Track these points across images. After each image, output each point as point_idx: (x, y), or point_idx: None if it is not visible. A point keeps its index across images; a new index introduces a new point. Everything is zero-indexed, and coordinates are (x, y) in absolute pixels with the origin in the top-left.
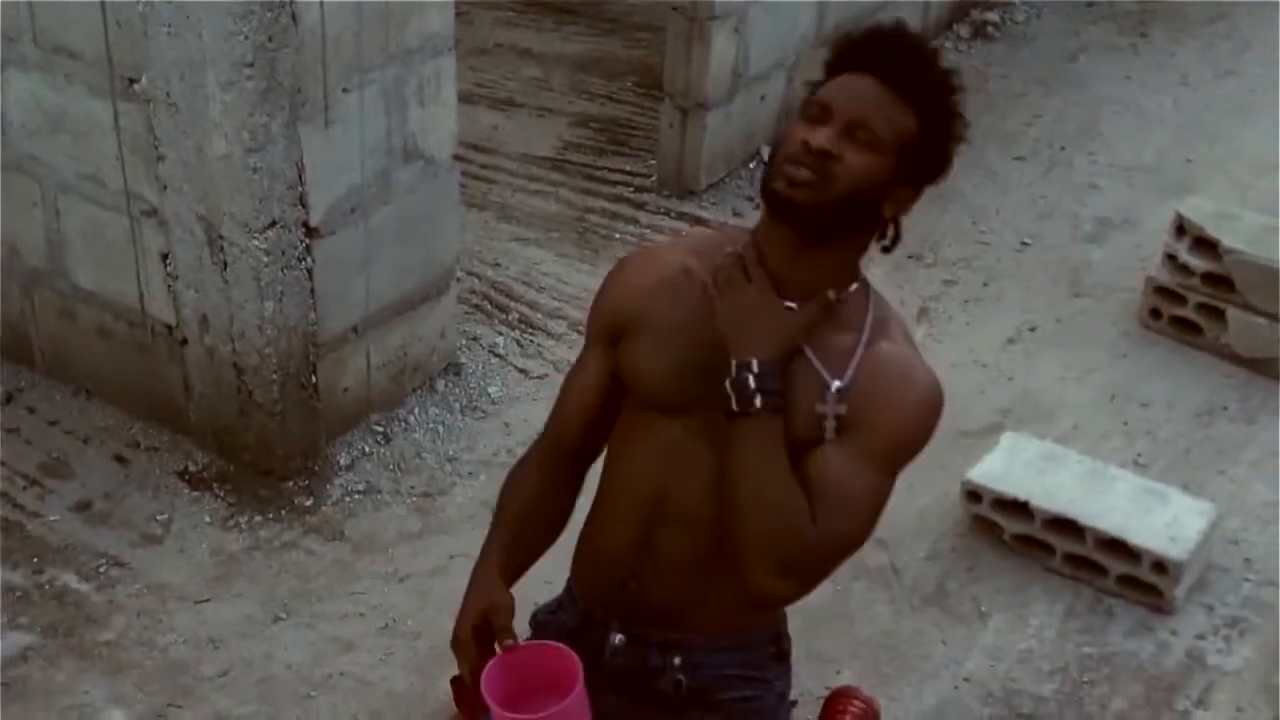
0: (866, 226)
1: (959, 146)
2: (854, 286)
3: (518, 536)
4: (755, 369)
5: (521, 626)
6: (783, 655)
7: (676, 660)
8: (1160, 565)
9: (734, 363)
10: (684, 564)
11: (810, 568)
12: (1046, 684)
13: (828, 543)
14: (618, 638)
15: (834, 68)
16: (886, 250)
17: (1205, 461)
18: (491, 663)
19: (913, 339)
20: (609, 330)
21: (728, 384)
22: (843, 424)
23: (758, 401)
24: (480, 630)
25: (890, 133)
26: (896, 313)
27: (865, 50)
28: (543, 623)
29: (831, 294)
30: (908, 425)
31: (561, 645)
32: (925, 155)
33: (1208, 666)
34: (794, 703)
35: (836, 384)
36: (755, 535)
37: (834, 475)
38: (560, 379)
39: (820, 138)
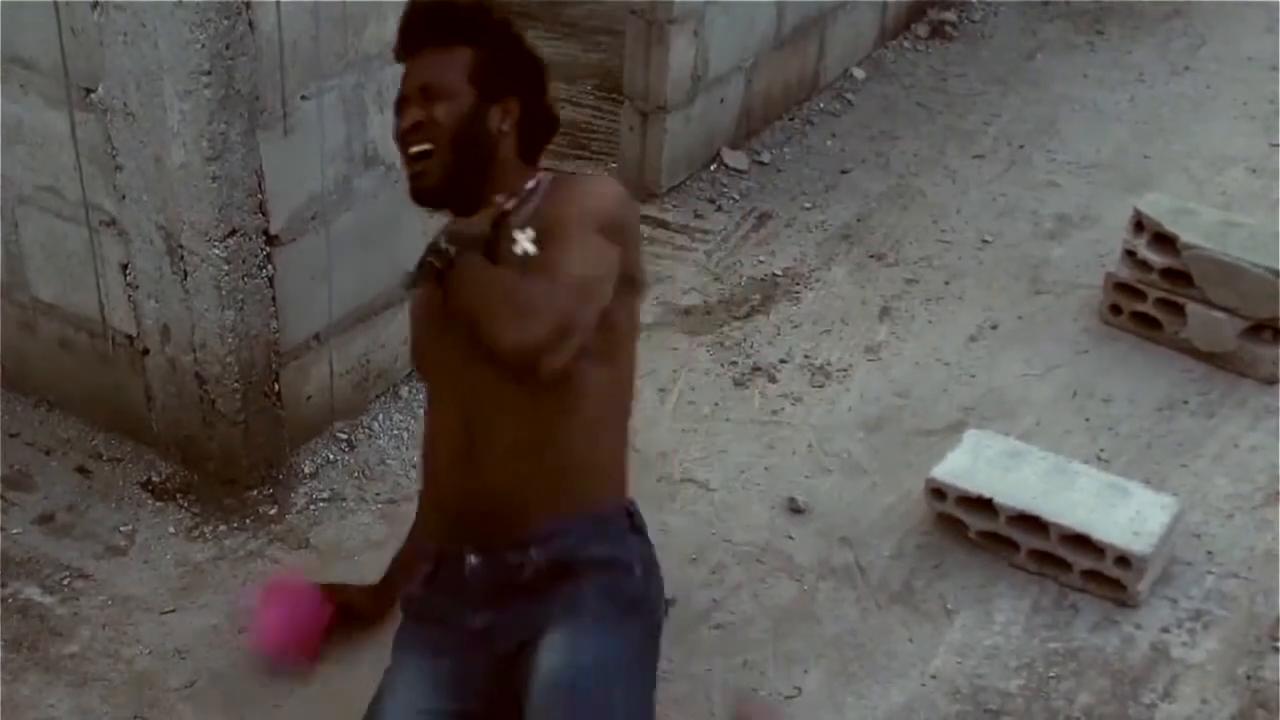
0: (498, 147)
1: (522, 35)
2: (532, 183)
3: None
4: (442, 238)
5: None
6: (636, 528)
7: (531, 551)
8: (1124, 560)
9: (427, 245)
10: (509, 447)
11: (542, 309)
12: (1013, 680)
13: (547, 283)
14: (473, 558)
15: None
16: (545, 142)
17: (1167, 456)
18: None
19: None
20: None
21: (430, 260)
22: (541, 244)
23: (451, 251)
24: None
25: (452, 73)
26: (588, 175)
27: (400, 42)
28: (408, 595)
29: (499, 198)
30: (584, 198)
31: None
32: (500, 64)
33: (1172, 659)
34: (672, 601)
35: (524, 232)
36: (487, 313)
37: (541, 255)
38: None
39: (406, 120)
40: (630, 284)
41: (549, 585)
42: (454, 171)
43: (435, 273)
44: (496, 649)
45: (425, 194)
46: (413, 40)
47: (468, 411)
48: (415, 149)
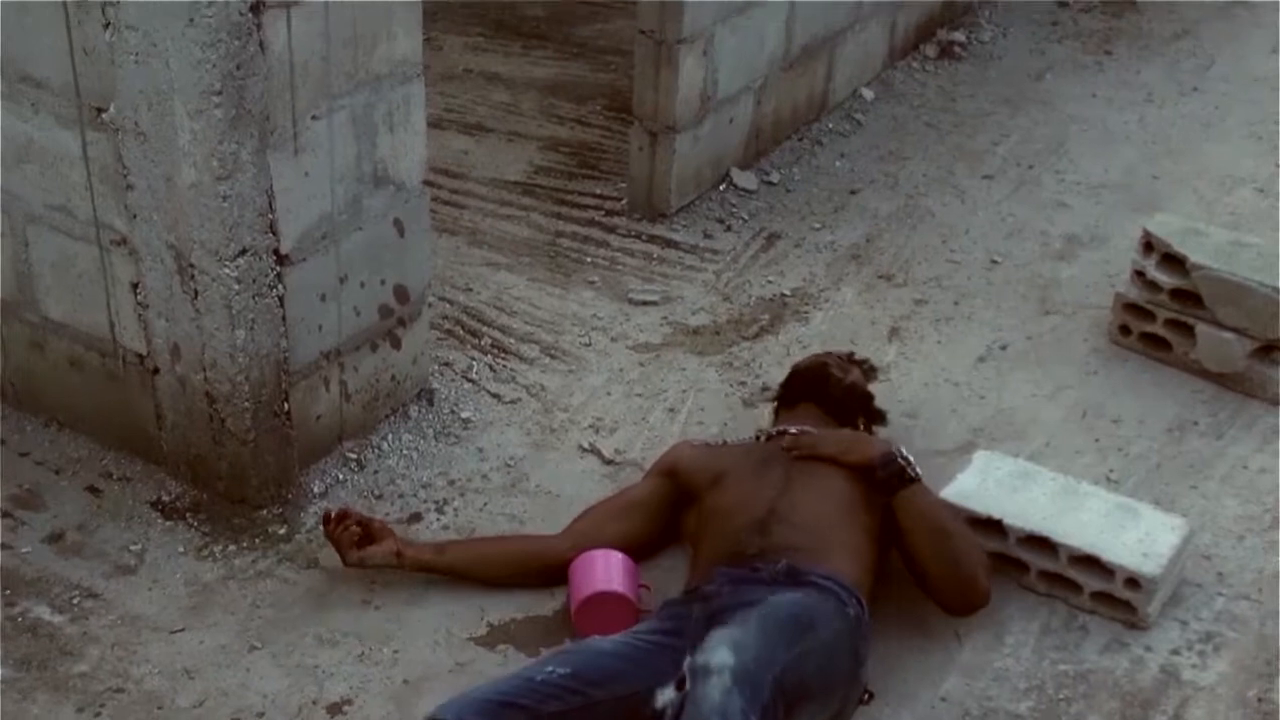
0: (861, 415)
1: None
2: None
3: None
4: (902, 455)
5: None
6: (863, 610)
7: (780, 563)
8: (1133, 581)
9: (891, 451)
10: (801, 525)
11: (986, 571)
12: (1023, 701)
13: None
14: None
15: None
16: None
17: (1176, 477)
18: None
19: None
20: None
21: (898, 463)
22: None
23: (918, 471)
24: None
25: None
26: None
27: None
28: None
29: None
30: None
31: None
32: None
33: (1182, 682)
34: (871, 695)
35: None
36: (970, 561)
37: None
38: (533, 403)
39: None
40: None
41: (779, 584)
42: (850, 401)
43: (898, 480)
44: (715, 608)
45: (843, 386)
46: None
47: (775, 499)
48: (845, 370)
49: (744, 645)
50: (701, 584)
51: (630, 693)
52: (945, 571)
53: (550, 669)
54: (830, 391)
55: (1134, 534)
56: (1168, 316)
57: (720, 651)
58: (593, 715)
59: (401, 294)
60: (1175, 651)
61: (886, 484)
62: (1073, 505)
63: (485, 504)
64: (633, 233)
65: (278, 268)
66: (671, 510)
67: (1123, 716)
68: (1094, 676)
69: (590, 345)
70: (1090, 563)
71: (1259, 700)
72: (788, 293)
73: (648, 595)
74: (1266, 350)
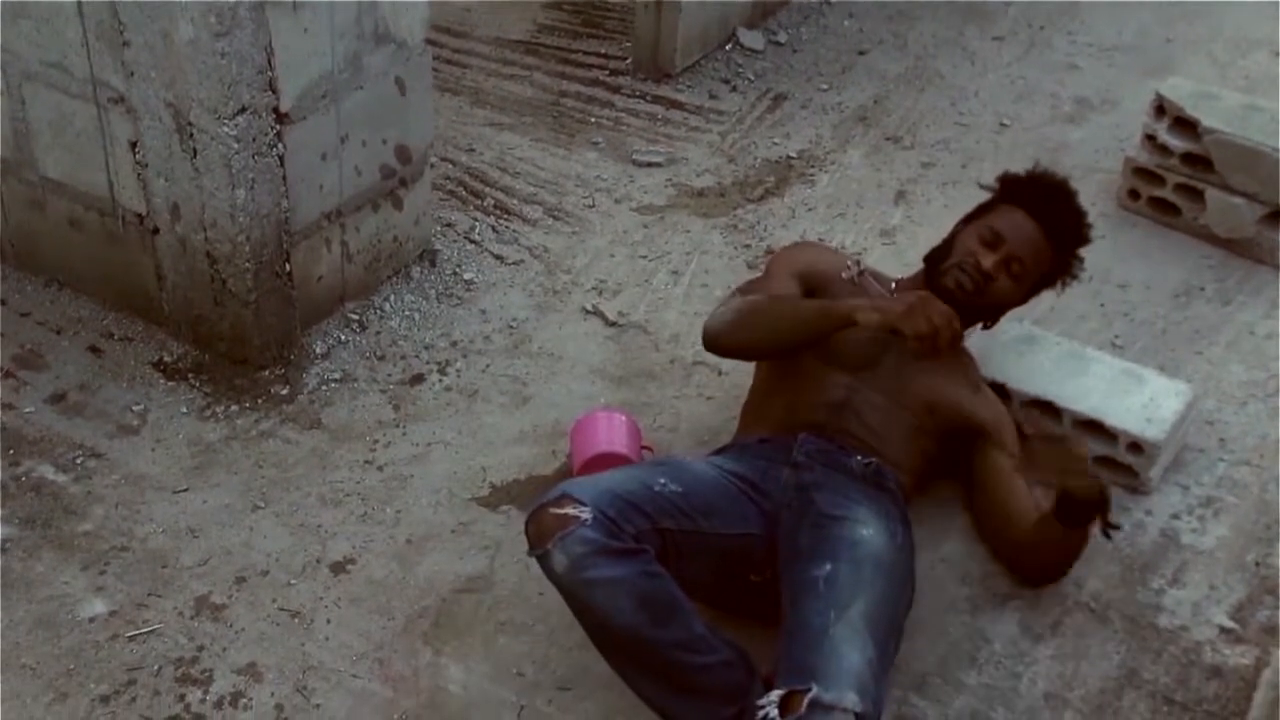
0: (997, 317)
1: (1072, 279)
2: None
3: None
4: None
5: None
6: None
7: (862, 459)
8: (1136, 446)
9: (1102, 487)
10: (874, 424)
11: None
12: None
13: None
14: (816, 439)
15: (1009, 197)
16: (986, 328)
17: (1182, 342)
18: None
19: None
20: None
21: (1094, 510)
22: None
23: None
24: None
25: (1033, 268)
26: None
27: (1038, 196)
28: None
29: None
30: None
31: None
32: (1049, 278)
33: (1182, 546)
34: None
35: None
36: (1056, 573)
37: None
38: (536, 264)
39: (988, 262)
40: None
41: (867, 484)
42: (971, 310)
43: (1090, 518)
44: (808, 482)
45: (950, 296)
46: (1041, 209)
47: (851, 388)
48: (969, 285)
49: (867, 688)
50: (786, 439)
51: (727, 532)
52: (1025, 566)
53: (663, 481)
54: (947, 297)
55: (1138, 399)
56: (1178, 181)
57: (849, 696)
58: (694, 542)
59: (403, 154)
60: (1175, 516)
61: (1066, 517)
62: (1077, 370)
63: (488, 366)
64: (637, 93)
65: (277, 126)
66: None
67: (1122, 580)
68: (1094, 540)
69: (594, 207)
70: (1094, 427)
71: (1257, 565)
72: (793, 155)
73: (650, 457)
74: (1276, 216)
